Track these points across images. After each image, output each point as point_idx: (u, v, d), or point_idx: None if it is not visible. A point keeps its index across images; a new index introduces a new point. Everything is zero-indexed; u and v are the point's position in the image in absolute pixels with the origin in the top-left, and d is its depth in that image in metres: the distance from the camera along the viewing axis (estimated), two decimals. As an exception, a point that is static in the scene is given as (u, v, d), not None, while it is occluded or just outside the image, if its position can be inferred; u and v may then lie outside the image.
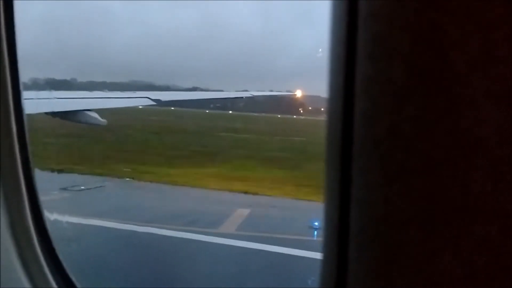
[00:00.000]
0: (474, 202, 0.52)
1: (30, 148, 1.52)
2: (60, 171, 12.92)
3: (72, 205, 9.62)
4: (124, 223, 8.19)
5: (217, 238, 7.64)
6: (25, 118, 1.50)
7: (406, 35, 0.53)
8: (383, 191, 0.55)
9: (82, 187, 11.27)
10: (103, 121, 7.86)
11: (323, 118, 0.68)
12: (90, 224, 8.01)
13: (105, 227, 7.91)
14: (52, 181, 11.96)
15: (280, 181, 13.66)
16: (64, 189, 10.85)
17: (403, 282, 0.56)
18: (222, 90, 23.47)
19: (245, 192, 12.07)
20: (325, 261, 0.64)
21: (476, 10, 0.51)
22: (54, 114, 7.37)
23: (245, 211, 9.92)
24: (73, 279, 1.63)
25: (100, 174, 13.19)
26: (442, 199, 0.53)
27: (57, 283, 1.55)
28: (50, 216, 7.73)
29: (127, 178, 13.10)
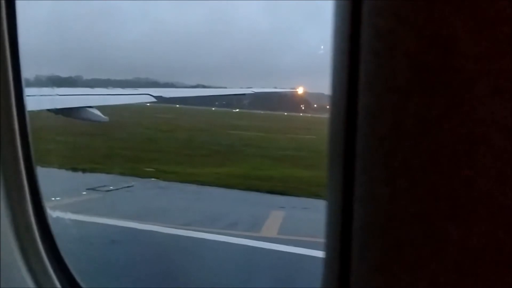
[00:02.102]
0: (478, 199, 0.52)
1: (32, 145, 1.50)
2: (83, 170, 12.67)
3: (105, 207, 9.40)
4: (166, 226, 7.95)
5: (264, 243, 7.38)
6: (27, 115, 1.49)
7: (410, 31, 0.53)
8: (386, 188, 0.55)
9: (111, 188, 11.01)
10: (104, 118, 7.79)
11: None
12: (133, 227, 7.75)
13: (149, 231, 7.65)
14: (78, 181, 11.76)
15: (304, 181, 13.45)
16: (93, 189, 10.61)
17: (406, 280, 0.55)
18: (225, 87, 23.32)
19: (272, 193, 11.85)
20: (328, 259, 0.64)
21: (481, 6, 0.50)
22: (56, 111, 7.32)
23: (280, 213, 9.70)
24: (76, 277, 1.60)
25: (123, 174, 12.92)
26: (446, 196, 0.53)
27: (60, 281, 1.53)
28: (89, 218, 7.53)
29: (151, 178, 12.81)
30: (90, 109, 7.53)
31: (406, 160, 0.54)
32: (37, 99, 6.05)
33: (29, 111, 1.49)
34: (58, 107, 7.22)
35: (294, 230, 8.46)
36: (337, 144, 0.61)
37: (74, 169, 12.65)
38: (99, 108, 7.80)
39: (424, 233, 0.54)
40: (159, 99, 9.50)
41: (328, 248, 0.64)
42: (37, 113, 5.97)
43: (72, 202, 8.98)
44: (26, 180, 1.48)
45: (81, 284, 1.60)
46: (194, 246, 7.19)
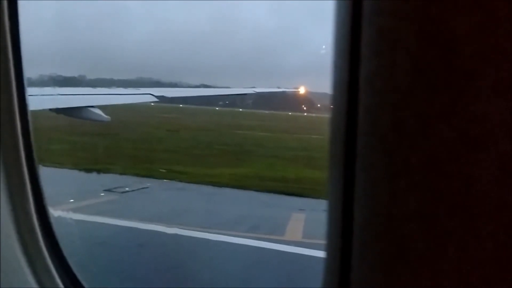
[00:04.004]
0: (479, 198, 0.52)
1: (34, 144, 1.49)
2: (97, 171, 12.53)
3: (124, 208, 9.26)
4: (188, 229, 7.79)
5: (291, 247, 7.22)
6: (29, 115, 1.49)
7: (411, 30, 0.52)
8: (387, 187, 0.55)
9: (127, 189, 10.85)
10: (106, 117, 7.77)
11: None
12: (155, 230, 7.59)
13: (172, 234, 7.48)
14: (93, 182, 11.63)
15: (319, 182, 13.29)
16: (109, 190, 10.48)
17: (407, 278, 0.55)
18: (229, 87, 23.23)
19: (289, 194, 11.69)
20: (329, 257, 0.64)
21: (481, 4, 0.50)
22: (58, 110, 7.31)
23: (301, 216, 9.54)
24: (78, 276, 1.59)
25: (136, 174, 12.77)
26: (447, 194, 0.53)
27: (62, 281, 1.52)
28: (112, 221, 7.38)
29: (165, 179, 12.65)
30: (92, 109, 7.50)
31: (407, 159, 0.54)
32: (39, 99, 6.03)
33: (31, 111, 1.49)
34: (60, 106, 7.18)
35: (318, 233, 8.28)
36: (337, 143, 0.61)
37: (88, 170, 12.52)
38: (101, 107, 7.75)
39: (424, 231, 0.54)
40: (161, 99, 9.45)
41: (328, 247, 0.64)
42: (38, 113, 5.87)
43: (92, 203, 8.86)
44: (28, 179, 1.47)
45: (84, 283, 1.59)
46: (221, 250, 7.02)
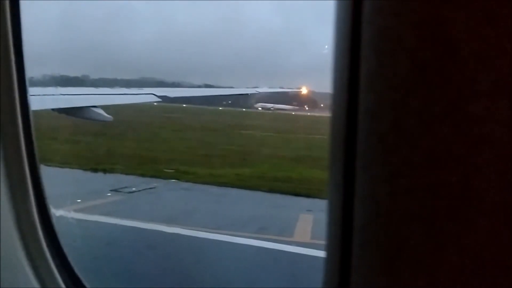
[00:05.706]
0: (478, 197, 0.51)
1: (36, 144, 1.50)
2: (103, 171, 12.49)
3: (132, 209, 9.20)
4: (198, 230, 7.73)
5: (301, 248, 7.14)
6: (31, 114, 1.49)
7: (411, 29, 0.52)
8: (387, 186, 0.54)
9: (133, 189, 10.80)
10: (108, 117, 7.80)
11: None
12: (164, 231, 7.54)
13: (182, 235, 7.42)
14: (99, 182, 11.60)
15: (325, 182, 13.19)
16: (115, 190, 10.44)
17: (407, 278, 0.55)
18: (232, 87, 23.20)
19: (296, 195, 11.62)
20: (329, 257, 0.63)
21: (482, 4, 0.50)
22: (60, 110, 7.34)
23: (309, 216, 9.46)
24: (80, 276, 1.59)
25: (142, 175, 12.71)
26: (446, 194, 0.52)
27: (63, 280, 1.53)
28: (119, 221, 7.32)
29: (172, 179, 12.59)
30: (94, 109, 7.52)
31: (407, 158, 0.54)
32: (41, 99, 6.04)
33: (33, 111, 1.49)
34: (62, 106, 7.20)
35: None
36: (338, 142, 0.61)
37: (94, 170, 12.48)
38: (103, 107, 7.77)
39: (424, 231, 0.53)
40: (164, 98, 9.46)
41: (329, 247, 0.64)
42: (40, 113, 5.84)
43: (99, 204, 8.84)
44: (30, 179, 1.48)
45: (85, 283, 1.59)
46: (235, 252, 6.96)
